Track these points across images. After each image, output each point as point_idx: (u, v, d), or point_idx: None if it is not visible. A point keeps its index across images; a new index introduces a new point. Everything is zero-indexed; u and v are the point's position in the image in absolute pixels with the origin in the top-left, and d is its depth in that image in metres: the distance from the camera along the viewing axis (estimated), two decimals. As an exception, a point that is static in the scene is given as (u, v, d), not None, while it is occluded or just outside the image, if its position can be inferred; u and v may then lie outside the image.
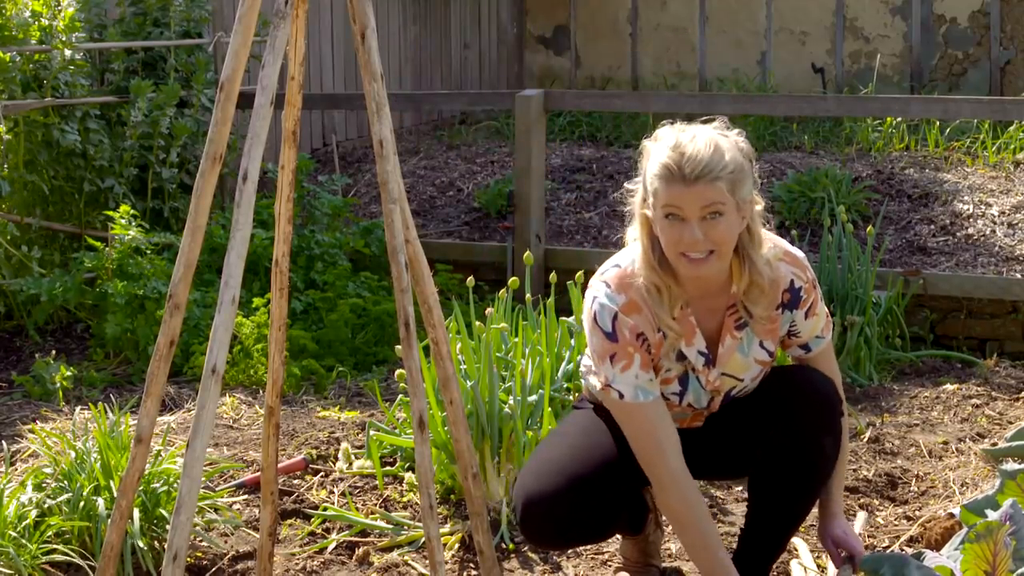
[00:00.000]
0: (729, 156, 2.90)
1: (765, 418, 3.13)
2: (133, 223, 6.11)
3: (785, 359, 3.38)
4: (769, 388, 3.20)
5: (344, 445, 4.55)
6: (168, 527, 3.39)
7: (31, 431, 4.41)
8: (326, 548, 3.88)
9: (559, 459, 3.22)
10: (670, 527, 3.95)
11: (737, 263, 3.03)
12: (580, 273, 4.28)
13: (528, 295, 4.47)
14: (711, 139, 2.91)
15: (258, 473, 4.06)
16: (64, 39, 6.46)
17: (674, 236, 2.91)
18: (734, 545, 3.43)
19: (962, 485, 4.26)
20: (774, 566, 3.65)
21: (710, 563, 3.06)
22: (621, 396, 3.05)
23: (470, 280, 4.53)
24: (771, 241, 3.10)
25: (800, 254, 3.16)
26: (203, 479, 3.43)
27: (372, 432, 4.30)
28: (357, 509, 4.09)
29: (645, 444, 3.06)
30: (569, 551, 3.80)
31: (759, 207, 3.02)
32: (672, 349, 3.09)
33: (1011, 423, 4.94)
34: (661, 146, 2.93)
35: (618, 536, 3.60)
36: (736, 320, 3.10)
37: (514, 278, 4.51)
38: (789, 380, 3.21)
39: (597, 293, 3.07)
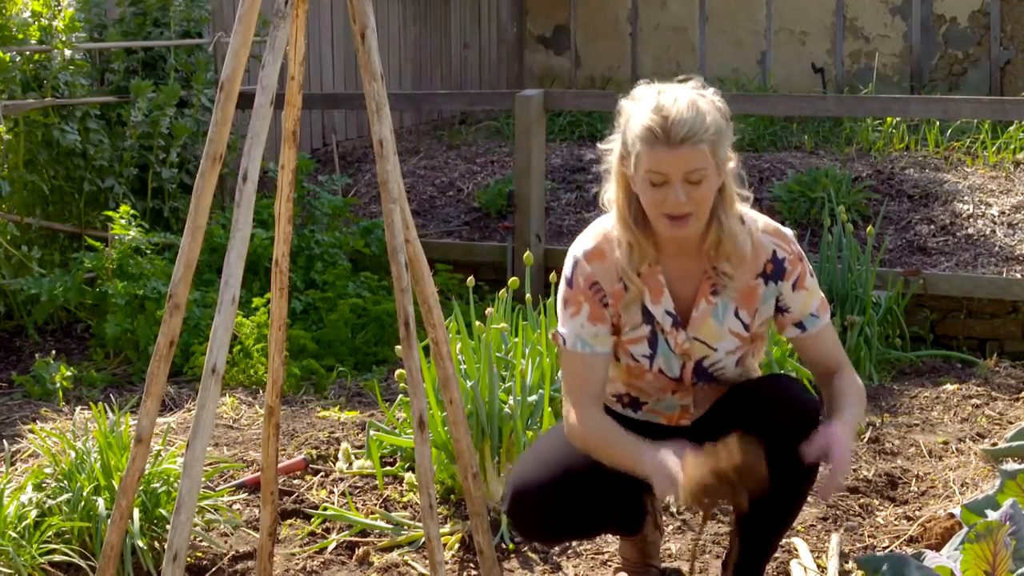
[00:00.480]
0: (711, 118, 2.92)
1: (743, 424, 3.08)
2: (133, 223, 6.11)
3: (785, 361, 3.37)
4: (746, 397, 3.14)
5: (344, 445, 4.55)
6: (168, 527, 3.39)
7: (31, 431, 4.41)
8: (326, 548, 3.88)
9: (554, 451, 3.21)
10: (670, 527, 3.96)
11: (708, 220, 3.03)
12: (580, 273, 4.28)
13: (528, 295, 4.47)
14: (692, 100, 2.93)
15: (258, 473, 4.06)
16: (64, 39, 6.46)
17: (657, 198, 2.93)
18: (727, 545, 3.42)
19: (962, 485, 4.26)
20: (774, 565, 3.65)
21: (638, 466, 2.99)
22: (564, 342, 3.11)
23: (470, 280, 4.53)
24: (753, 214, 3.12)
25: (787, 230, 3.15)
26: (203, 479, 3.43)
27: (372, 432, 4.30)
28: (357, 509, 4.09)
29: (569, 388, 3.12)
30: (569, 552, 3.80)
31: (732, 164, 3.03)
32: (633, 303, 3.07)
33: (1011, 423, 4.95)
34: (642, 107, 2.95)
35: (617, 536, 3.60)
36: (711, 285, 3.08)
37: (514, 278, 4.51)
38: (765, 388, 3.15)
39: (575, 244, 3.15)
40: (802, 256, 3.12)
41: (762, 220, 3.12)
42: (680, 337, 3.09)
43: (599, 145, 3.11)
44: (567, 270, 3.10)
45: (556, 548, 3.82)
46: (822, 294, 3.17)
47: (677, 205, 2.91)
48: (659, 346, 3.11)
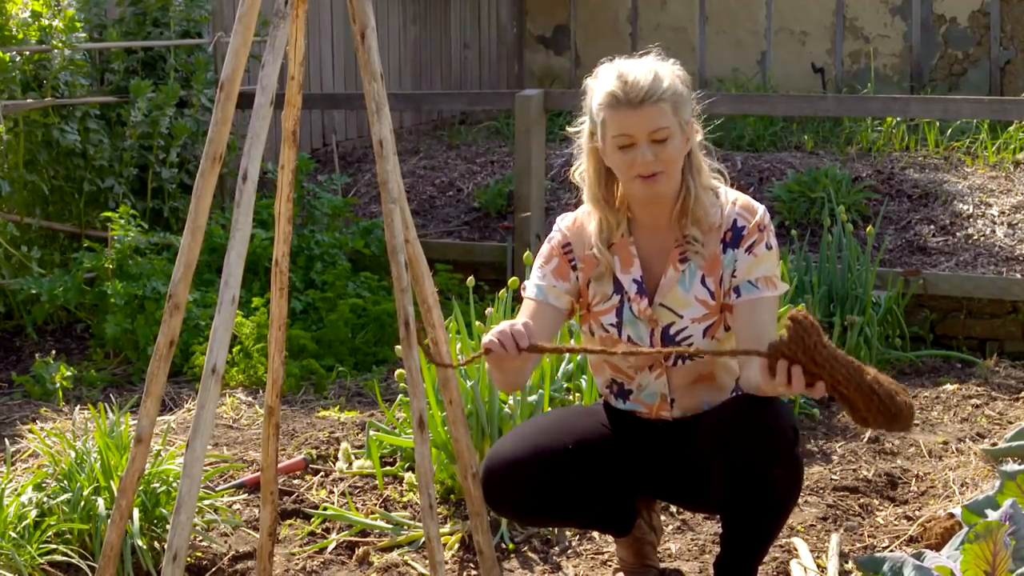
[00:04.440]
0: (668, 81, 3.09)
1: (712, 448, 3.08)
2: (132, 223, 6.11)
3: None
4: (718, 414, 3.13)
5: (344, 445, 4.56)
6: (168, 527, 3.40)
7: (31, 431, 4.41)
8: (326, 548, 3.88)
9: (533, 428, 3.31)
10: (669, 527, 3.96)
11: (679, 187, 3.16)
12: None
13: (528, 295, 4.46)
14: (650, 66, 3.10)
15: (258, 473, 4.06)
16: (64, 39, 6.46)
17: (627, 161, 3.07)
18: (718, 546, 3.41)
19: (962, 485, 4.26)
20: (774, 565, 3.65)
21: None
22: (526, 290, 3.26)
23: (470, 280, 4.53)
24: (733, 193, 3.20)
25: (758, 206, 3.20)
26: (203, 479, 3.43)
27: (372, 432, 4.30)
28: (357, 509, 4.09)
29: None
30: (569, 552, 3.80)
31: (699, 137, 3.18)
32: (604, 275, 3.20)
33: (1011, 423, 4.95)
34: (604, 78, 3.11)
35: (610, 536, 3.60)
36: (681, 253, 3.16)
37: (514, 278, 4.51)
38: (736, 407, 3.12)
39: (560, 216, 3.35)
40: (763, 227, 3.16)
41: (736, 196, 3.21)
42: (643, 304, 3.18)
43: (568, 129, 3.27)
44: (550, 234, 3.29)
45: (556, 548, 3.82)
46: (778, 274, 3.17)
47: (646, 164, 3.05)
48: (624, 312, 3.19)
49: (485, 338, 2.91)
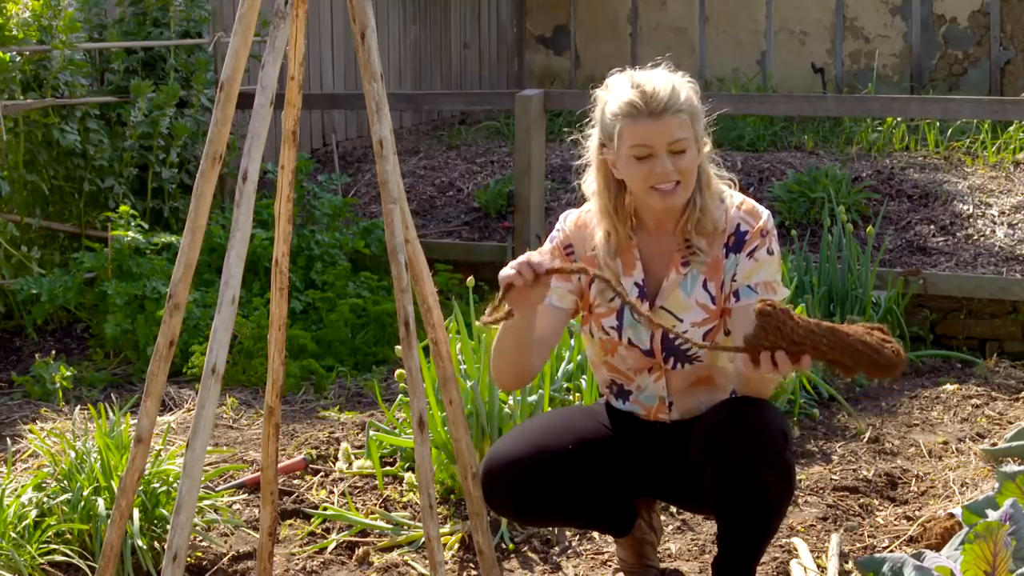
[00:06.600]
0: (685, 93, 3.06)
1: (703, 452, 3.09)
2: (132, 223, 6.11)
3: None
4: (710, 418, 3.13)
5: (344, 445, 4.56)
6: (168, 527, 3.40)
7: (31, 431, 4.41)
8: (326, 548, 3.88)
9: (532, 428, 3.31)
10: (669, 527, 3.96)
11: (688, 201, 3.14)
12: (580, 273, 4.28)
13: (528, 295, 4.46)
14: (667, 77, 3.07)
15: (258, 473, 4.06)
16: (64, 39, 6.46)
17: (644, 171, 3.03)
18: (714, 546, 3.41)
19: (962, 485, 4.26)
20: (774, 565, 3.65)
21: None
22: None
23: (470, 280, 4.54)
24: (738, 196, 3.19)
25: (763, 211, 3.19)
26: (203, 479, 3.43)
27: (372, 432, 4.30)
28: (357, 509, 4.09)
29: None
30: (569, 552, 3.80)
31: (707, 148, 3.16)
32: (613, 280, 3.13)
33: (1011, 423, 4.95)
34: (619, 89, 3.07)
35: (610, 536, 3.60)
36: (683, 257, 3.16)
37: (514, 278, 4.51)
38: (726, 411, 3.12)
39: (564, 213, 3.32)
40: (766, 233, 3.15)
41: (742, 200, 3.20)
42: (643, 308, 3.15)
43: (573, 138, 3.24)
44: (552, 233, 3.27)
45: (556, 548, 3.82)
46: (779, 279, 3.16)
47: (665, 175, 3.02)
48: (625, 316, 3.19)
49: (503, 272, 2.86)
